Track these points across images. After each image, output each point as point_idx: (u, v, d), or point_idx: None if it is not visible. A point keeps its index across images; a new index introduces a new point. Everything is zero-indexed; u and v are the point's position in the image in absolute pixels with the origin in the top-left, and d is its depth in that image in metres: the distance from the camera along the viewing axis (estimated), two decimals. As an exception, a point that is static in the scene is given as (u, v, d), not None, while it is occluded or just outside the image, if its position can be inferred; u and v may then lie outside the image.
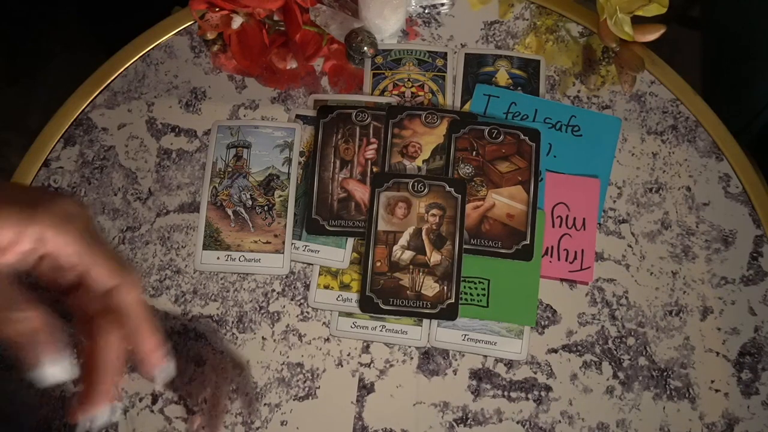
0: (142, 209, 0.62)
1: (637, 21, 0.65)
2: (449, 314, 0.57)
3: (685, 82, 0.67)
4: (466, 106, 0.65)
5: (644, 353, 0.58)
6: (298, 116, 0.65)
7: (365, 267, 0.58)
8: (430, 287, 0.58)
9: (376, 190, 0.60)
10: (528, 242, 0.59)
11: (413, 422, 0.56)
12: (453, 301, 0.57)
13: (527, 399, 0.56)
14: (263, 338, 0.58)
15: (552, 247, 0.60)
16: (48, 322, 0.39)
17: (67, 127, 0.65)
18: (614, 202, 0.62)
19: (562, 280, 0.60)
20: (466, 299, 0.58)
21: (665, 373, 0.57)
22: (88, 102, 0.66)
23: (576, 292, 0.59)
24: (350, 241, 0.60)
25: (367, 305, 0.58)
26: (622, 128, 0.64)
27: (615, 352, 0.58)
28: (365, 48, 0.66)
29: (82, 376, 0.41)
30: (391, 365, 0.57)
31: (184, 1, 0.68)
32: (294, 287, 0.59)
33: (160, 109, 0.66)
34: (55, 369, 0.38)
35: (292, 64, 0.67)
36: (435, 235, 0.59)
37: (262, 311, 0.59)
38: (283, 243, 0.60)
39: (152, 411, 0.56)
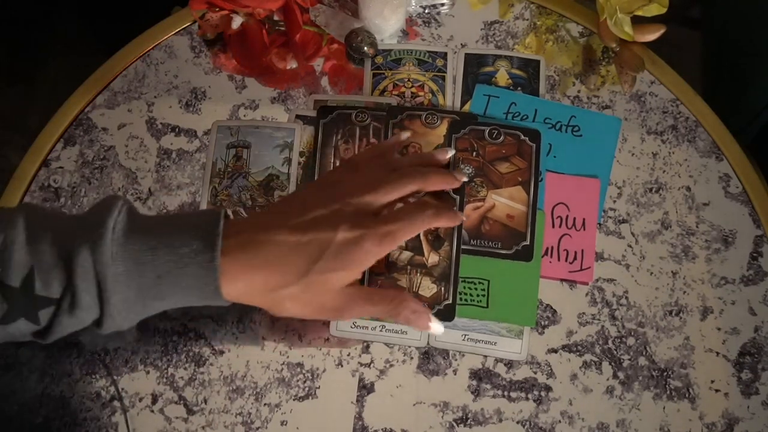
0: (142, 209, 0.62)
1: (637, 21, 0.65)
2: (446, 315, 0.57)
3: (685, 82, 0.67)
4: (466, 107, 0.65)
5: (644, 353, 0.58)
6: (298, 116, 0.65)
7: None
8: (427, 288, 0.58)
9: (376, 191, 0.60)
10: (528, 243, 0.59)
11: (413, 422, 0.56)
12: (450, 302, 0.57)
13: (527, 399, 0.56)
14: (263, 338, 0.58)
15: (552, 247, 0.60)
16: (414, 301, 0.52)
17: (67, 127, 0.65)
18: (614, 202, 0.62)
19: (562, 280, 0.60)
20: (465, 300, 0.58)
21: (665, 373, 0.57)
22: (88, 102, 0.66)
23: (576, 292, 0.59)
24: (350, 241, 0.60)
25: (366, 305, 0.58)
26: (622, 128, 0.64)
27: (615, 352, 0.58)
28: (365, 48, 0.66)
29: None
30: (391, 365, 0.57)
31: (184, 1, 0.68)
32: (294, 287, 0.59)
33: (160, 109, 0.66)
34: (437, 324, 0.52)
35: (292, 64, 0.67)
36: (433, 236, 0.59)
37: (262, 311, 0.59)
38: (283, 243, 0.60)
39: (152, 411, 0.56)
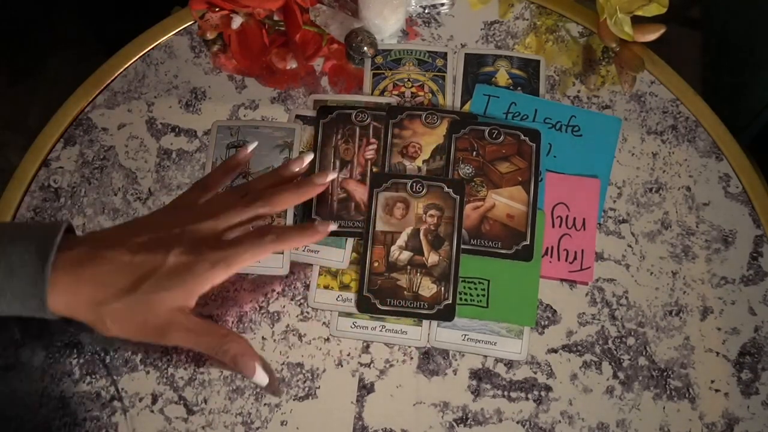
0: (142, 209, 0.62)
1: (637, 21, 0.65)
2: (446, 315, 0.57)
3: (685, 82, 0.67)
4: (466, 107, 0.65)
5: (644, 353, 0.58)
6: (298, 116, 0.65)
7: (363, 267, 0.58)
8: (427, 288, 0.58)
9: (375, 191, 0.60)
10: (528, 243, 0.59)
11: (413, 422, 0.56)
12: (450, 302, 0.57)
13: (527, 399, 0.56)
14: (263, 338, 0.58)
15: (552, 247, 0.60)
16: (245, 342, 0.51)
17: (67, 127, 0.65)
18: (614, 202, 0.62)
19: (562, 280, 0.60)
20: (465, 299, 0.58)
21: (665, 373, 0.57)
22: (88, 102, 0.66)
23: (576, 292, 0.59)
24: (350, 241, 0.60)
25: (364, 305, 0.58)
26: (622, 128, 0.64)
27: (615, 352, 0.58)
28: (365, 48, 0.66)
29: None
30: (391, 365, 0.57)
31: (184, 1, 0.68)
32: (294, 287, 0.59)
33: (160, 109, 0.66)
34: (262, 373, 0.51)
35: (292, 64, 0.67)
36: (433, 235, 0.59)
37: (262, 311, 0.59)
38: (283, 243, 0.60)
39: (152, 411, 0.56)
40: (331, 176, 0.57)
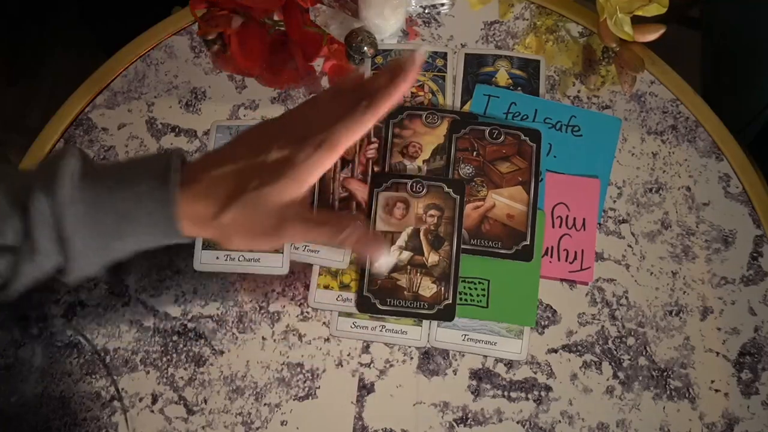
0: (142, 209, 0.62)
1: (637, 21, 0.65)
2: (446, 315, 0.57)
3: (685, 82, 0.67)
4: (466, 107, 0.65)
5: (644, 353, 0.58)
6: (298, 116, 0.65)
7: (363, 267, 0.58)
8: (427, 288, 0.58)
9: (375, 191, 0.60)
10: (528, 243, 0.59)
11: (413, 422, 0.56)
12: (450, 302, 0.57)
13: (527, 399, 0.56)
14: (263, 338, 0.58)
15: (552, 247, 0.60)
16: (363, 228, 0.50)
17: (67, 127, 0.65)
18: (614, 202, 0.62)
19: (562, 280, 0.60)
20: (466, 299, 0.58)
21: (665, 373, 0.57)
22: (88, 102, 0.66)
23: (576, 292, 0.59)
24: (350, 241, 0.60)
25: (364, 305, 0.58)
26: (622, 128, 0.64)
27: (615, 352, 0.58)
28: (365, 48, 0.66)
29: None
30: (391, 365, 0.57)
31: (184, 1, 0.68)
32: (294, 287, 0.59)
33: (160, 109, 0.66)
34: (388, 258, 0.54)
35: (292, 65, 0.67)
36: (433, 235, 0.59)
37: (262, 311, 0.59)
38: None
39: (152, 411, 0.56)
40: (423, 49, 0.54)
